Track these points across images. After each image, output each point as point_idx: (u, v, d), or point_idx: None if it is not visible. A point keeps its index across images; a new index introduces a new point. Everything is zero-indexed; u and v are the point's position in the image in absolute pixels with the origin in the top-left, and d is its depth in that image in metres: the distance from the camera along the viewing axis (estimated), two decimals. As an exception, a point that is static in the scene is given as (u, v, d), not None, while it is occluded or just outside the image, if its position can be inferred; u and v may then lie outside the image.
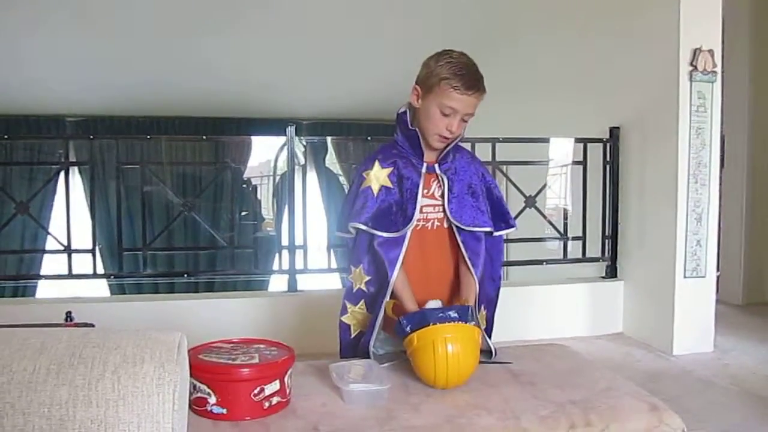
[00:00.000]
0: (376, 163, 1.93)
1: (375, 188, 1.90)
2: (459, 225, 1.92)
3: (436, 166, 1.95)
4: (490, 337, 1.98)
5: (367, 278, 1.94)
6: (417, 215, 1.90)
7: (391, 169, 1.92)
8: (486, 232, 1.97)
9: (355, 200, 1.92)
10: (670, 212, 3.92)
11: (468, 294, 1.91)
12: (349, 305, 1.99)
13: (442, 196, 1.94)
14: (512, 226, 2.06)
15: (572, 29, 5.18)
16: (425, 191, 1.93)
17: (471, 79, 1.82)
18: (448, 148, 1.93)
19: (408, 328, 1.69)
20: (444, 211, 1.94)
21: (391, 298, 1.90)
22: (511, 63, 6.10)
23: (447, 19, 5.89)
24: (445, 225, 1.96)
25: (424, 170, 1.93)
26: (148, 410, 1.01)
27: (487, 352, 1.86)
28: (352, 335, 1.99)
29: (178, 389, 1.04)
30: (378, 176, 1.92)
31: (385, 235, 1.87)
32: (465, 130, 1.92)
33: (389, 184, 1.91)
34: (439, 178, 1.94)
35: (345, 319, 1.99)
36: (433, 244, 1.96)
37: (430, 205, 1.94)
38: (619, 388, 1.67)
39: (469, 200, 1.96)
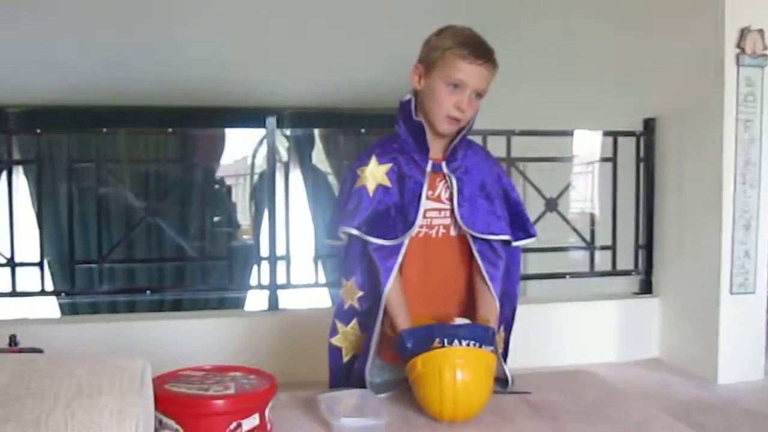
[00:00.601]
0: (373, 159, 1.91)
1: (371, 187, 1.88)
2: (471, 232, 1.90)
3: (443, 164, 1.93)
4: (505, 362, 1.97)
5: (360, 293, 1.92)
6: (420, 220, 1.88)
7: (390, 165, 1.90)
8: (503, 241, 1.96)
9: (348, 201, 1.90)
10: (714, 218, 3.93)
11: (488, 314, 1.90)
12: (339, 325, 1.98)
13: (450, 199, 1.92)
14: (533, 235, 2.04)
15: (601, 6, 5.20)
16: (430, 193, 1.91)
17: (480, 47, 1.83)
18: (455, 142, 1.91)
19: (409, 344, 1.69)
20: (453, 215, 1.92)
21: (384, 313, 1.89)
22: (529, 44, 6.12)
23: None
24: (452, 233, 1.95)
25: (429, 168, 1.91)
26: (107, 449, 1.01)
27: (502, 380, 1.86)
28: (344, 359, 1.98)
29: (142, 424, 1.05)
30: (374, 174, 1.90)
31: (380, 242, 1.85)
32: (476, 115, 1.91)
33: (387, 183, 1.89)
34: (447, 178, 1.92)
35: (335, 341, 1.98)
36: (437, 255, 1.95)
37: (435, 209, 1.92)
38: (654, 422, 1.67)
39: (483, 203, 1.94)
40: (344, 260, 1.96)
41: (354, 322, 1.96)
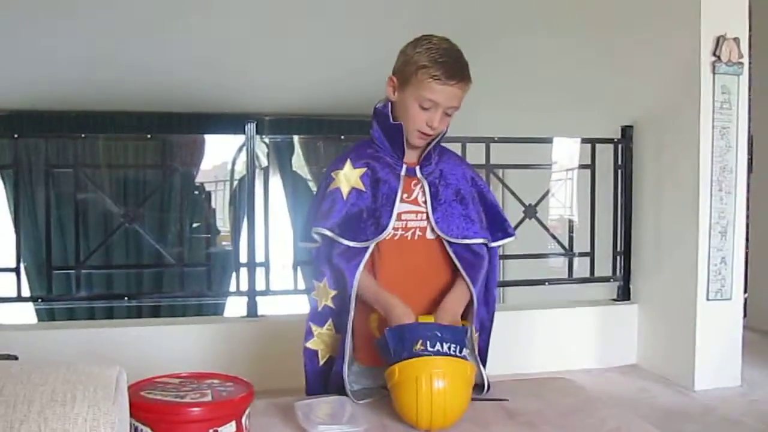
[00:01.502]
0: (348, 163, 1.94)
1: (345, 190, 1.91)
2: (446, 237, 1.93)
3: (417, 168, 1.96)
4: (484, 366, 1.98)
5: (334, 293, 1.93)
6: (393, 224, 1.89)
7: (364, 169, 1.93)
8: (480, 244, 1.97)
9: (322, 203, 1.93)
10: (691, 225, 3.96)
11: (454, 302, 1.90)
12: (314, 327, 1.98)
13: (426, 202, 1.94)
14: (511, 235, 2.07)
15: (580, 16, 5.23)
16: (405, 196, 1.93)
17: (453, 66, 1.83)
18: (429, 147, 1.94)
19: (391, 346, 1.70)
20: (428, 219, 1.94)
21: (362, 306, 1.90)
22: (510, 55, 6.17)
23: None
24: (429, 236, 1.96)
25: (403, 173, 1.94)
26: (81, 457, 1.01)
27: (479, 386, 1.87)
28: (321, 362, 1.98)
29: (116, 432, 1.04)
30: (349, 177, 1.92)
31: (349, 243, 1.87)
32: (448, 126, 1.94)
33: (361, 187, 1.91)
34: (422, 183, 1.95)
35: (310, 344, 1.98)
36: (413, 257, 1.96)
37: (411, 212, 1.94)
38: (631, 429, 1.68)
39: (458, 208, 1.96)
40: (315, 261, 1.98)
41: (329, 322, 1.96)
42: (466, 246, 1.95)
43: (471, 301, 1.92)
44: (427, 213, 1.94)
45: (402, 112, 1.90)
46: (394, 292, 1.87)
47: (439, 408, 1.60)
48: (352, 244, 1.87)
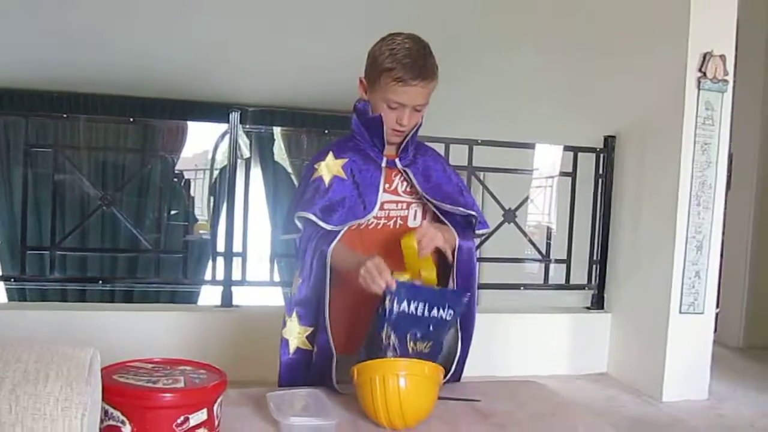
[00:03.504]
0: (330, 155, 1.98)
1: (327, 179, 1.94)
2: (439, 204, 1.95)
3: (397, 160, 2.00)
4: (462, 367, 2.00)
5: (300, 281, 1.94)
6: (378, 207, 1.93)
7: (346, 160, 1.96)
8: (469, 220, 2.01)
9: (304, 192, 1.96)
10: (668, 237, 3.99)
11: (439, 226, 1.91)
12: (286, 317, 1.99)
13: (408, 192, 2.00)
14: (487, 227, 2.12)
15: (569, 26, 5.25)
16: (387, 186, 1.98)
17: (415, 67, 1.85)
18: (407, 139, 1.98)
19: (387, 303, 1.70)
20: (410, 208, 1.99)
21: (338, 295, 1.90)
22: (497, 62, 6.18)
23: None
24: (411, 224, 2.00)
25: (384, 164, 1.98)
26: (51, 437, 1.00)
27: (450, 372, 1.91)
28: (291, 353, 1.98)
29: (88, 414, 1.03)
30: (330, 167, 1.96)
31: (332, 228, 1.88)
32: (423, 118, 1.98)
33: (343, 175, 1.94)
34: (403, 172, 1.99)
35: (283, 333, 2.00)
36: (397, 245, 1.95)
37: (392, 202, 1.99)
38: (600, 436, 1.69)
39: (445, 189, 2.01)
40: (297, 252, 1.99)
41: (294, 313, 1.97)
42: (460, 219, 1.99)
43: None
44: (408, 203, 1.99)
45: (375, 112, 1.94)
46: None
47: (395, 409, 1.59)
48: (335, 228, 1.88)
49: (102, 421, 1.37)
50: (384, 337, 1.72)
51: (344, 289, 1.91)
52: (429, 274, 1.84)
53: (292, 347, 1.98)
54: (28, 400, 1.00)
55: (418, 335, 1.74)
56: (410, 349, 1.73)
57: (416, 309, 1.73)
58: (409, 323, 1.73)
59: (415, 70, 1.84)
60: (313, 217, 1.89)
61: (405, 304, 1.72)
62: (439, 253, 1.91)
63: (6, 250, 6.06)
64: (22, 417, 0.99)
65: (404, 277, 1.77)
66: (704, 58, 3.89)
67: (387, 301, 1.71)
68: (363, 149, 1.98)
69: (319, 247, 1.88)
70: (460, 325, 1.96)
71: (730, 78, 3.96)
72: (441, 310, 1.76)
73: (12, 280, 4.73)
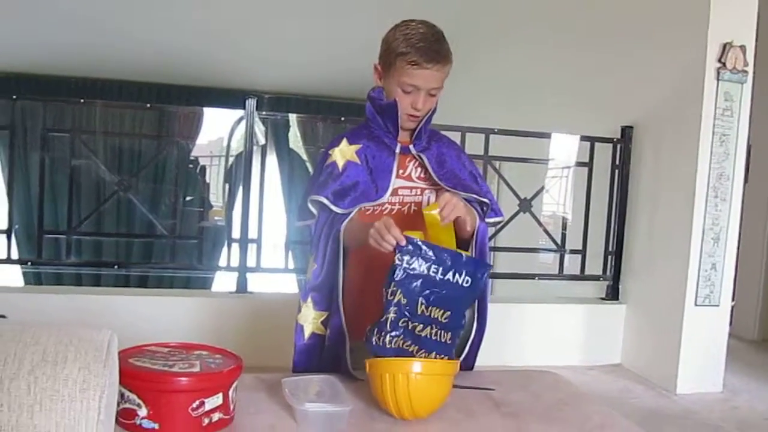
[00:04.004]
0: (344, 141, 2.01)
1: (340, 164, 1.96)
2: (457, 192, 1.94)
3: (411, 146, 2.01)
4: (475, 354, 2.00)
5: (315, 266, 1.96)
6: (390, 192, 1.95)
7: (359, 146, 1.99)
8: (483, 208, 2.01)
9: (318, 177, 1.99)
10: (684, 229, 3.97)
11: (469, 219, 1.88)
12: (301, 302, 2.01)
13: (421, 178, 2.00)
14: (501, 215, 2.11)
15: (587, 17, 5.22)
16: (401, 172, 1.99)
17: (429, 51, 1.87)
18: (420, 125, 1.98)
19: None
20: (423, 194, 1.99)
21: (351, 280, 1.91)
22: (515, 52, 6.15)
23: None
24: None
25: (398, 150, 2.00)
26: (69, 418, 1.00)
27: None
28: (305, 338, 1.99)
29: (106, 396, 1.04)
30: (344, 152, 1.98)
31: (344, 211, 1.90)
32: (437, 104, 1.98)
33: (356, 160, 1.96)
34: (417, 158, 2.00)
35: (298, 318, 2.01)
36: (410, 228, 1.95)
37: (406, 188, 2.00)
38: (614, 426, 1.69)
39: (459, 174, 2.02)
40: (313, 236, 2.00)
41: (309, 298, 1.98)
42: (470, 202, 1.98)
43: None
44: (422, 189, 2.00)
45: (389, 98, 1.95)
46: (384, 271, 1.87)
47: (405, 406, 1.59)
48: (345, 211, 1.90)
49: (118, 404, 1.38)
50: (388, 293, 1.69)
51: (358, 272, 1.93)
52: (449, 244, 1.81)
53: (307, 332, 1.99)
54: (47, 382, 1.01)
55: (431, 299, 1.70)
56: (420, 312, 1.69)
57: (429, 269, 1.70)
58: (421, 284, 1.70)
59: (429, 54, 1.86)
60: (325, 201, 1.90)
61: (417, 262, 1.69)
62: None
63: (23, 233, 6.08)
64: (41, 398, 1.00)
65: (417, 236, 1.73)
66: (724, 48, 3.86)
67: (397, 259, 1.68)
68: (377, 135, 2.00)
69: (332, 229, 1.89)
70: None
71: (749, 69, 3.92)
72: (458, 276, 1.72)
73: (28, 263, 4.75)
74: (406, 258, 1.68)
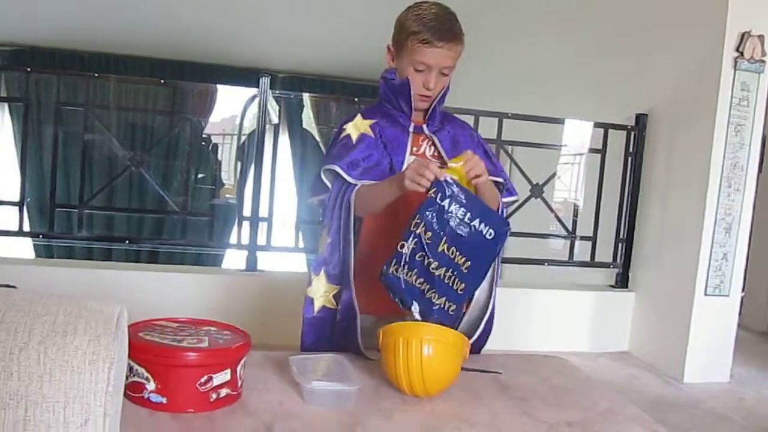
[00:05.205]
0: (358, 116, 2.02)
1: (354, 136, 1.97)
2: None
3: (424, 126, 2.02)
4: (487, 335, 2.01)
5: (329, 239, 1.96)
6: (405, 166, 1.92)
7: (373, 121, 2.00)
8: (498, 187, 2.01)
9: (332, 150, 2.00)
10: (697, 218, 3.95)
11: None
12: (312, 275, 2.01)
13: (435, 156, 2.00)
14: (515, 195, 2.12)
15: (605, 3, 5.18)
16: (414, 149, 2.00)
17: (440, 29, 1.88)
18: (433, 104, 1.99)
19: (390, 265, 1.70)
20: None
21: (364, 254, 1.92)
22: (531, 38, 6.11)
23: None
24: None
25: (411, 129, 2.01)
26: (78, 389, 1.00)
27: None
28: (315, 311, 1.99)
29: (115, 368, 1.04)
30: (358, 126, 1.99)
31: (357, 182, 1.90)
32: (449, 85, 1.99)
33: (370, 133, 1.98)
34: (430, 138, 2.01)
35: (308, 291, 2.01)
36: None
37: None
38: (622, 412, 1.68)
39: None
40: (324, 212, 2.00)
41: (322, 271, 1.97)
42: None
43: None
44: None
45: (402, 77, 1.96)
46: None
47: (417, 375, 1.58)
48: (358, 181, 1.90)
49: (126, 377, 1.38)
50: (412, 224, 1.70)
51: (370, 248, 1.95)
52: None
53: (317, 306, 1.99)
54: (57, 352, 1.01)
55: (454, 240, 1.72)
56: (441, 251, 1.71)
57: (457, 211, 1.72)
58: (448, 223, 1.71)
59: (441, 33, 1.88)
60: (339, 170, 1.91)
61: (447, 201, 1.71)
62: None
63: (35, 207, 6.10)
64: (51, 368, 1.00)
65: (453, 175, 1.74)
66: (742, 37, 3.83)
67: (432, 192, 1.69)
68: (391, 114, 2.02)
69: (344, 199, 1.90)
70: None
71: (767, 59, 3.89)
72: (483, 225, 1.75)
73: (40, 236, 4.78)
74: (439, 194, 1.70)
